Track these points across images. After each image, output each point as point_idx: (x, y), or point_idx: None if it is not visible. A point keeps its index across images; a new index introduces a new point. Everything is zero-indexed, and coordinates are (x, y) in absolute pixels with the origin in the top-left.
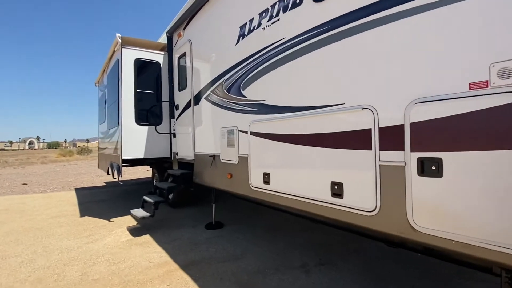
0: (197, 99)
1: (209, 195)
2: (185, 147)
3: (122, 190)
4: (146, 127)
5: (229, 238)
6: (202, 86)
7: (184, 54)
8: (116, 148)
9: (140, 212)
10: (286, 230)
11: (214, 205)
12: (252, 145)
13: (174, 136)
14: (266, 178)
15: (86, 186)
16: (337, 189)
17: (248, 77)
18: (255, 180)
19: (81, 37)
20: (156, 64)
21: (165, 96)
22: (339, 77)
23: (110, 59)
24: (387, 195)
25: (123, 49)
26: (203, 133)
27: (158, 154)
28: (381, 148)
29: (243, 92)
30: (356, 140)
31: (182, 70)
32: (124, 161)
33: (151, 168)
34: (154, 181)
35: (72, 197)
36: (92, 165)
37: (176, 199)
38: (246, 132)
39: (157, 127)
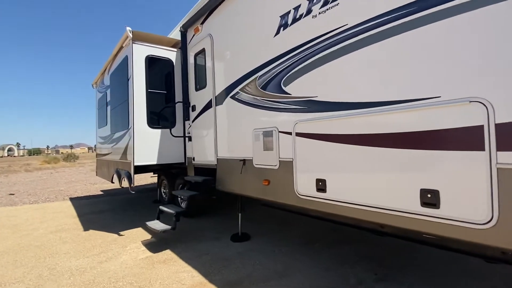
0: (220, 98)
1: (225, 204)
2: (205, 152)
3: (123, 199)
4: (159, 130)
5: (263, 252)
6: (226, 84)
7: (202, 51)
8: (125, 154)
9: (158, 225)
10: (324, 241)
11: (240, 214)
12: (299, 147)
13: (190, 139)
14: (321, 185)
15: (82, 195)
16: (430, 198)
17: (293, 71)
18: (304, 187)
19: (61, 38)
20: (168, 61)
21: (178, 96)
22: (433, 66)
23: (115, 56)
24: (508, 204)
25: (134, 44)
26: (228, 135)
27: (172, 160)
28: (499, 149)
29: (285, 89)
30: (459, 139)
31: (200, 67)
32: (136, 167)
33: (155, 175)
34: (163, 190)
35: (69, 208)
36: (82, 173)
37: (190, 208)
38: (289, 133)
39: (172, 130)
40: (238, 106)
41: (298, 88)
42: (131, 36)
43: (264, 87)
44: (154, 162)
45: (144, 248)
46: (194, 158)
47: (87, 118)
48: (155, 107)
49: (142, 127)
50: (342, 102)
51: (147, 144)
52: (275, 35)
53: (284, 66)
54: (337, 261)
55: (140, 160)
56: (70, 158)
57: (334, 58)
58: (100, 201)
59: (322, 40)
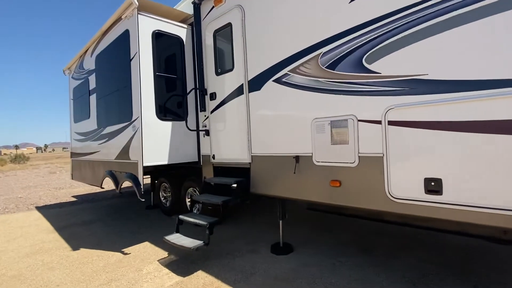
0: (256, 83)
1: (241, 207)
2: (231, 148)
3: (106, 206)
4: (169, 123)
5: (322, 266)
6: (267, 65)
7: (227, 26)
8: (125, 152)
9: (184, 240)
10: (381, 246)
11: (281, 221)
12: (395, 139)
13: (207, 134)
14: (434, 186)
15: (50, 203)
16: None
17: (383, 44)
18: (403, 189)
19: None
20: (178, 39)
21: (189, 82)
22: None
23: (105, 32)
24: None
25: (139, 16)
26: (270, 127)
27: (186, 158)
28: None
29: (370, 67)
30: None
31: (223, 47)
32: (145, 169)
33: (146, 176)
34: (163, 194)
35: (40, 220)
36: (39, 175)
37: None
38: (376, 122)
39: (188, 122)
40: (287, 91)
41: (393, 65)
42: (137, 4)
43: (332, 66)
44: (165, 162)
45: (167, 270)
46: (213, 155)
47: (33, 114)
48: (164, 94)
49: (150, 119)
50: (473, 81)
51: (157, 140)
52: (352, 0)
53: (367, 38)
54: (417, 272)
55: (150, 159)
56: (20, 159)
57: (465, 22)
58: (78, 209)
59: (438, 2)
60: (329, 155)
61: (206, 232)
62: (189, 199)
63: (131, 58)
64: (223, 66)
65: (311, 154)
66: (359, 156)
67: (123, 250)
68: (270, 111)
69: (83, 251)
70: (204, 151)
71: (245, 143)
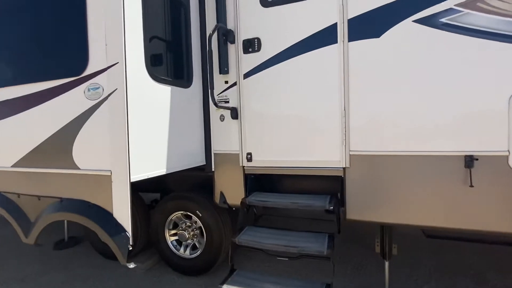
0: (369, 23)
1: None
2: (298, 141)
3: None
4: (168, 88)
5: None
6: None
7: None
8: (56, 151)
9: None
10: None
11: (387, 262)
12: None
13: (233, 115)
14: None
15: None
16: None
17: None
18: None
19: None
20: None
21: (194, 16)
22: None
23: None
24: None
25: None
26: (399, 104)
27: (190, 160)
28: None
29: None
30: None
31: None
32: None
33: None
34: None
35: None
36: None
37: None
38: None
39: (213, 90)
40: (453, 41)
41: None
42: None
43: None
44: (164, 170)
45: None
46: (248, 155)
47: None
48: (159, 33)
49: (140, 77)
50: None
51: (153, 124)
52: None
53: None
54: None
55: (143, 167)
56: None
57: None
58: None
59: None
60: None
61: None
62: (174, 233)
63: None
64: None
65: (507, 153)
66: None
67: None
68: (404, 75)
69: None
70: (222, 146)
71: (336, 132)
